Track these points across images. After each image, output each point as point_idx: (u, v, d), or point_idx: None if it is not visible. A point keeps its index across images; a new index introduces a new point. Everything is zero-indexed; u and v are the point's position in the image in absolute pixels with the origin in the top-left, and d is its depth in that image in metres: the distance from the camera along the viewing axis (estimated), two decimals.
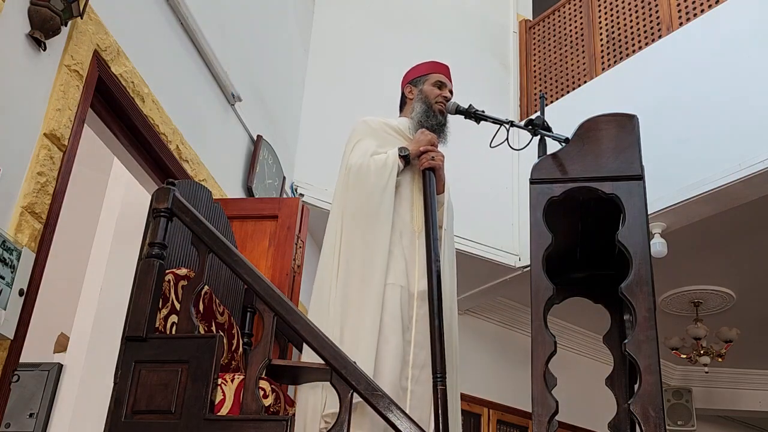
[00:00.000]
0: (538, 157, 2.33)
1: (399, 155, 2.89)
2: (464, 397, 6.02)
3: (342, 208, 2.85)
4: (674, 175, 4.61)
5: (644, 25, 5.43)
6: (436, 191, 2.91)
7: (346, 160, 2.94)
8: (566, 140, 2.31)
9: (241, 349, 2.87)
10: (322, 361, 2.17)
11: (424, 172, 2.91)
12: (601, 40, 5.73)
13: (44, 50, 2.51)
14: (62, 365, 3.82)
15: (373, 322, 2.64)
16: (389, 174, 2.86)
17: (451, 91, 3.14)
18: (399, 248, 2.83)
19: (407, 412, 2.58)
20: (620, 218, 2.15)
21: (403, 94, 3.19)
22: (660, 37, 5.23)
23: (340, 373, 2.09)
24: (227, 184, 4.02)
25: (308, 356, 2.61)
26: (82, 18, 2.62)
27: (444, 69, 3.17)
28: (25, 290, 2.36)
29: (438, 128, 3.04)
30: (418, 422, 2.56)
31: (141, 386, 2.13)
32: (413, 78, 3.16)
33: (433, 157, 2.91)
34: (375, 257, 2.75)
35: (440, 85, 3.11)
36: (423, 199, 2.89)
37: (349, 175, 2.87)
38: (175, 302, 2.42)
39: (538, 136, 2.49)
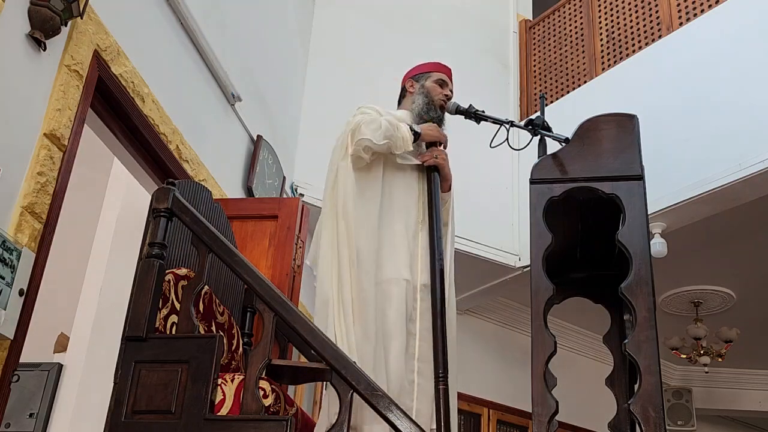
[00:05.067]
0: (538, 157, 2.34)
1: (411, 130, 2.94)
2: (464, 397, 6.05)
3: (340, 184, 2.86)
4: (674, 175, 4.61)
5: (644, 25, 5.43)
6: (441, 190, 2.95)
7: (351, 124, 2.92)
8: (566, 140, 2.31)
9: (241, 349, 2.87)
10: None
11: (428, 171, 2.94)
12: (601, 40, 5.73)
13: (44, 50, 2.50)
14: (62, 365, 3.82)
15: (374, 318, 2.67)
16: (403, 135, 2.88)
17: (451, 92, 3.17)
18: (404, 240, 2.85)
19: (414, 404, 2.60)
20: (620, 218, 2.15)
21: (403, 88, 3.22)
22: (660, 37, 5.23)
23: (340, 373, 2.09)
24: (227, 184, 4.02)
25: None
26: (82, 18, 2.61)
27: (447, 70, 3.21)
28: (25, 290, 2.36)
29: (437, 122, 3.07)
30: (422, 415, 2.60)
31: (141, 386, 2.13)
32: (416, 74, 3.20)
33: (436, 156, 2.95)
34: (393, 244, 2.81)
35: (442, 84, 3.14)
36: (427, 198, 2.92)
37: (356, 127, 2.85)
38: (175, 302, 2.42)
39: (538, 136, 2.50)
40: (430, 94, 3.10)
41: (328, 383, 2.59)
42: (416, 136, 2.94)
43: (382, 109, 3.05)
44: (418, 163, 2.98)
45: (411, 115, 3.10)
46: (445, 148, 3.05)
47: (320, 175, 4.94)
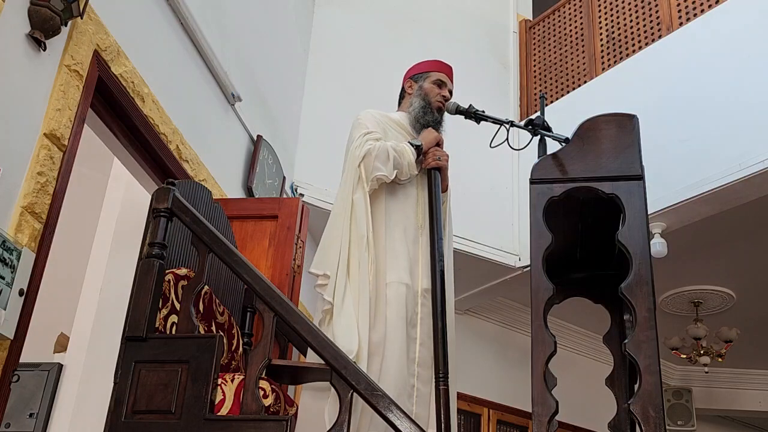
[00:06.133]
0: (538, 157, 2.33)
1: (411, 145, 2.93)
2: (464, 397, 6.05)
3: (349, 199, 2.83)
4: (674, 175, 4.61)
5: (644, 25, 5.43)
6: (440, 190, 2.95)
7: (357, 146, 2.89)
8: (566, 140, 2.31)
9: (241, 349, 2.87)
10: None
11: (430, 171, 2.94)
12: (601, 40, 5.73)
13: (44, 50, 2.50)
14: (62, 365, 3.82)
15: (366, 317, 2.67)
16: (409, 161, 2.90)
17: (450, 92, 3.16)
18: (404, 245, 2.85)
19: (414, 408, 2.60)
20: (620, 218, 2.15)
21: (403, 88, 3.21)
22: (660, 37, 5.23)
23: (340, 373, 2.09)
24: (227, 184, 4.02)
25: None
26: (82, 18, 2.61)
27: (446, 69, 3.19)
28: (25, 290, 2.36)
29: (434, 125, 3.07)
30: (420, 420, 2.59)
31: (141, 386, 2.13)
32: (415, 74, 3.18)
33: (440, 157, 2.95)
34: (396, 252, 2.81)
35: (440, 84, 3.12)
36: (428, 198, 2.91)
37: (359, 147, 2.85)
38: (175, 302, 2.42)
39: (538, 136, 2.49)
40: (427, 96, 3.09)
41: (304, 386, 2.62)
42: (419, 150, 2.94)
43: (379, 115, 3.05)
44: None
45: (408, 117, 3.09)
46: (441, 147, 3.05)
47: (320, 175, 5.00)
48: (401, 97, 3.22)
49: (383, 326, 2.68)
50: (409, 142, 2.96)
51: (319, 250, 2.78)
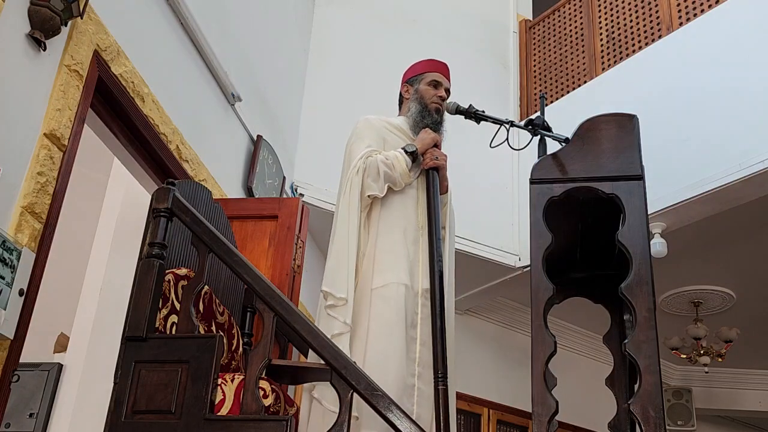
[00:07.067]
0: (538, 157, 2.34)
1: (406, 151, 2.92)
2: (464, 397, 6.06)
3: (349, 207, 2.85)
4: (674, 175, 4.61)
5: (644, 25, 5.43)
6: (439, 191, 2.95)
7: (351, 159, 2.94)
8: (566, 140, 2.31)
9: (241, 349, 2.87)
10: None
11: (428, 171, 2.94)
12: (601, 40, 5.73)
13: (44, 50, 2.50)
14: (62, 365, 3.82)
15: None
16: (401, 171, 2.90)
17: (447, 90, 3.15)
18: (404, 247, 2.85)
19: (414, 408, 2.61)
20: (620, 218, 2.15)
21: (400, 93, 3.21)
22: (660, 37, 5.24)
23: (340, 373, 2.09)
24: (227, 184, 4.02)
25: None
26: (82, 18, 2.62)
27: (441, 67, 3.17)
28: (25, 290, 2.36)
29: (433, 127, 3.07)
30: (423, 420, 2.60)
31: (141, 386, 2.13)
32: (410, 77, 3.18)
33: (437, 157, 2.95)
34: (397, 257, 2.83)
35: (436, 84, 3.12)
36: (426, 199, 2.92)
37: (359, 174, 2.88)
38: (175, 302, 2.42)
39: (538, 136, 2.50)
40: (423, 99, 3.09)
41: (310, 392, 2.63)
42: (414, 154, 2.94)
43: (378, 121, 3.05)
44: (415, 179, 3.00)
45: (408, 121, 3.10)
46: (438, 147, 3.05)
47: (320, 175, 5.00)
48: (400, 102, 3.22)
49: (377, 324, 2.71)
50: (402, 148, 2.95)
51: (328, 270, 2.80)
